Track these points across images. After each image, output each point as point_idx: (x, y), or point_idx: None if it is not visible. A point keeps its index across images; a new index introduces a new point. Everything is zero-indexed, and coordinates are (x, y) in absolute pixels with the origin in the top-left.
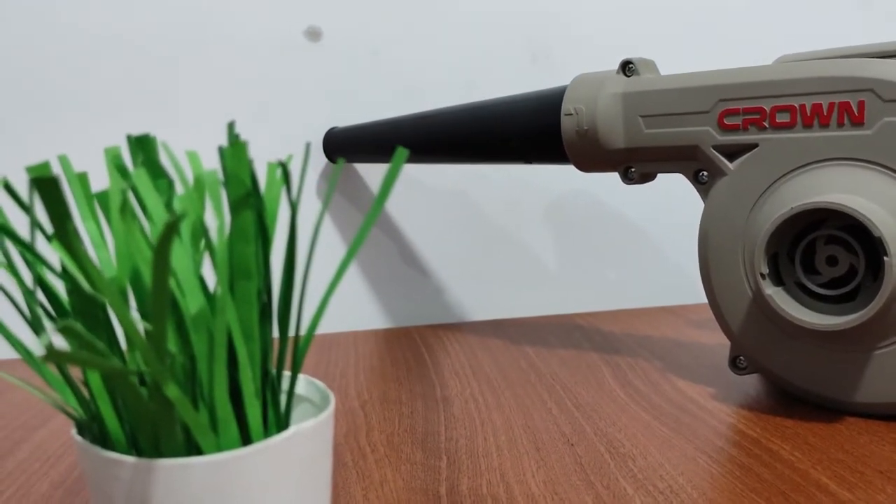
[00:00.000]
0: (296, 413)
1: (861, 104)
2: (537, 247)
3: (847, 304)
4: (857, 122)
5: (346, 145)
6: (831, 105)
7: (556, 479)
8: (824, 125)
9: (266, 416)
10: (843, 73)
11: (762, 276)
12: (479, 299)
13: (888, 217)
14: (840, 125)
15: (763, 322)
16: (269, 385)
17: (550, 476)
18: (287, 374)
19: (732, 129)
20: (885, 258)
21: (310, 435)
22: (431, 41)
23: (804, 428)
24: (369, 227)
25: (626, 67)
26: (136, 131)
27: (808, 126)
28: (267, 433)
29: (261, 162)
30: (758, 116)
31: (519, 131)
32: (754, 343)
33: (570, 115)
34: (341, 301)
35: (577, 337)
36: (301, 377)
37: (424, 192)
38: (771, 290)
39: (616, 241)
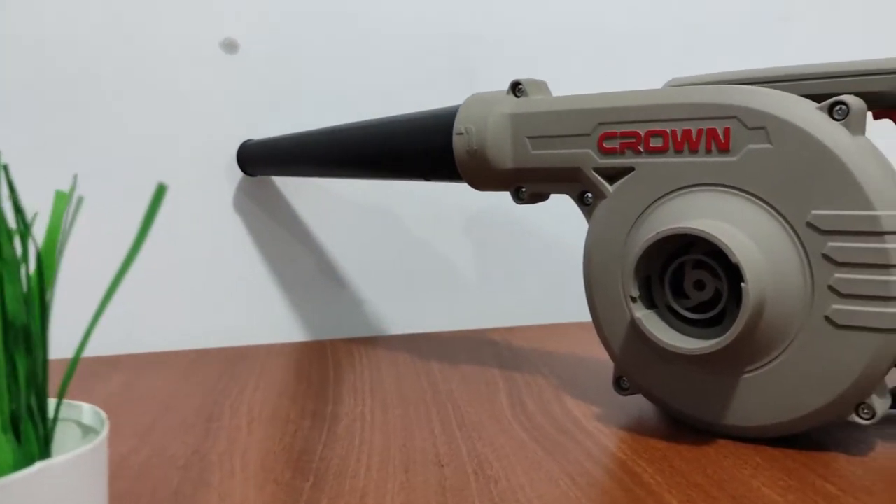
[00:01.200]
0: (83, 442)
1: (727, 131)
2: (456, 261)
3: (714, 329)
4: (724, 149)
5: (257, 158)
6: (700, 131)
7: (413, 501)
8: (694, 151)
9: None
10: (709, 101)
11: (632, 299)
12: (396, 313)
13: (751, 243)
14: (708, 151)
15: (640, 344)
16: (27, 416)
17: (409, 498)
18: (53, 401)
19: (611, 152)
20: (743, 284)
21: (61, 471)
22: (352, 55)
23: (673, 451)
24: (132, 258)
25: (516, 88)
26: (47, 141)
27: (679, 151)
28: (21, 466)
29: (177, 175)
30: (633, 140)
31: (415, 149)
32: (634, 364)
33: (462, 134)
34: (255, 313)
35: (486, 353)
36: (85, 406)
37: (343, 204)
38: (641, 314)
39: (534, 257)
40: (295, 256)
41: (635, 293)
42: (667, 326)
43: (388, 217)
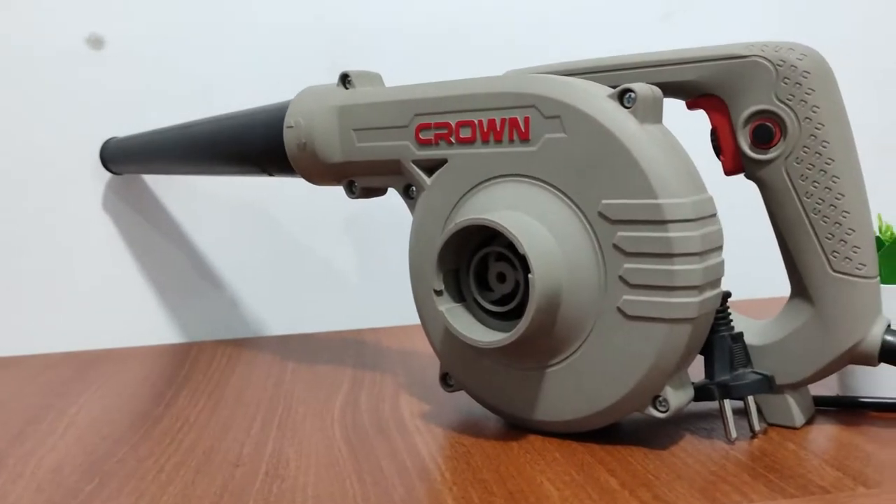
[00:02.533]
0: None
1: (526, 121)
2: (334, 261)
3: (515, 322)
4: (524, 139)
5: (118, 156)
6: (503, 121)
7: (186, 500)
8: (498, 141)
9: None
10: (510, 90)
11: (436, 292)
12: (272, 314)
13: (547, 234)
14: (511, 141)
15: (457, 339)
16: None
17: (184, 500)
18: None
19: (427, 143)
20: (529, 275)
21: None
22: (221, 49)
23: (478, 447)
24: None
25: (345, 80)
26: None
27: (485, 142)
28: None
29: (41, 174)
30: (446, 132)
31: (252, 143)
32: (454, 360)
33: (292, 127)
34: (123, 315)
35: (350, 353)
36: None
37: (217, 203)
38: (444, 307)
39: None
40: (167, 257)
41: (439, 286)
42: (473, 320)
43: (264, 217)
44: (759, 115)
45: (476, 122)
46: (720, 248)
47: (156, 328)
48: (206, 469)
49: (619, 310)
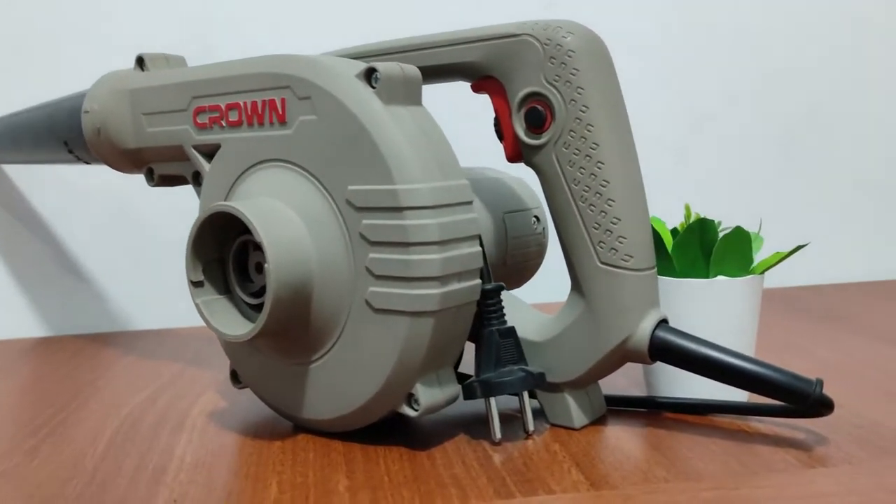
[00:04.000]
0: None
1: (283, 102)
2: None
3: None
4: (282, 122)
5: None
6: (264, 103)
7: None
8: (261, 125)
9: None
10: (267, 70)
11: (193, 283)
12: (141, 308)
13: (299, 222)
14: (271, 124)
15: None
16: None
17: None
18: None
19: (204, 127)
20: (266, 265)
21: None
22: (80, 31)
23: (241, 446)
24: None
25: (141, 63)
26: None
27: (251, 125)
28: None
29: None
30: (217, 115)
31: (61, 129)
32: (236, 356)
33: (88, 112)
34: None
35: (197, 349)
36: None
37: (84, 196)
38: (200, 300)
39: None
40: (32, 251)
41: (195, 278)
42: (235, 314)
43: (132, 210)
44: (531, 98)
45: (242, 104)
46: (471, 238)
47: (18, 322)
48: None
49: (367, 302)
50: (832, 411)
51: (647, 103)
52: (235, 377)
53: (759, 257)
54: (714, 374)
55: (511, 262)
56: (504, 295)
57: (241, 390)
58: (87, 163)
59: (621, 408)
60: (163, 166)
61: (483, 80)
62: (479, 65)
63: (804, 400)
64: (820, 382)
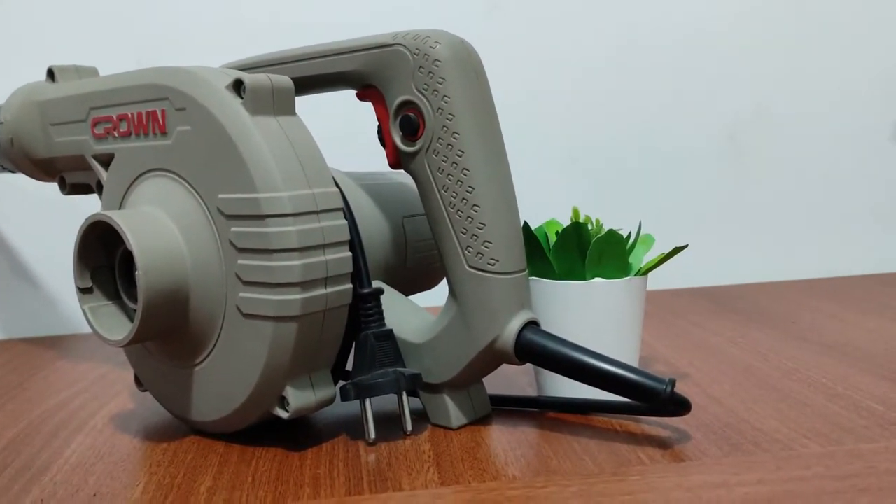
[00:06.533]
0: None
1: (163, 113)
2: None
3: None
4: (163, 132)
5: None
6: (148, 114)
7: None
8: (146, 135)
9: None
10: (148, 81)
11: (81, 290)
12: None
13: (174, 230)
14: (154, 135)
15: None
16: None
17: None
18: None
19: (101, 138)
20: (137, 273)
21: None
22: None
23: (128, 448)
24: None
25: (51, 75)
26: None
27: (138, 135)
28: None
29: None
30: (111, 126)
31: None
32: (134, 359)
33: (2, 123)
34: None
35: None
36: None
37: (35, 200)
38: (87, 306)
39: None
40: None
41: (83, 284)
42: (123, 319)
43: (79, 214)
44: (405, 107)
45: (130, 115)
46: (335, 244)
47: None
48: None
49: (238, 308)
50: (689, 410)
51: (592, 107)
52: (138, 380)
53: (648, 257)
54: (574, 374)
55: (413, 265)
56: (390, 297)
57: (144, 392)
58: (12, 171)
59: (507, 407)
60: (72, 175)
61: (365, 88)
62: (360, 74)
63: (656, 399)
64: (671, 382)
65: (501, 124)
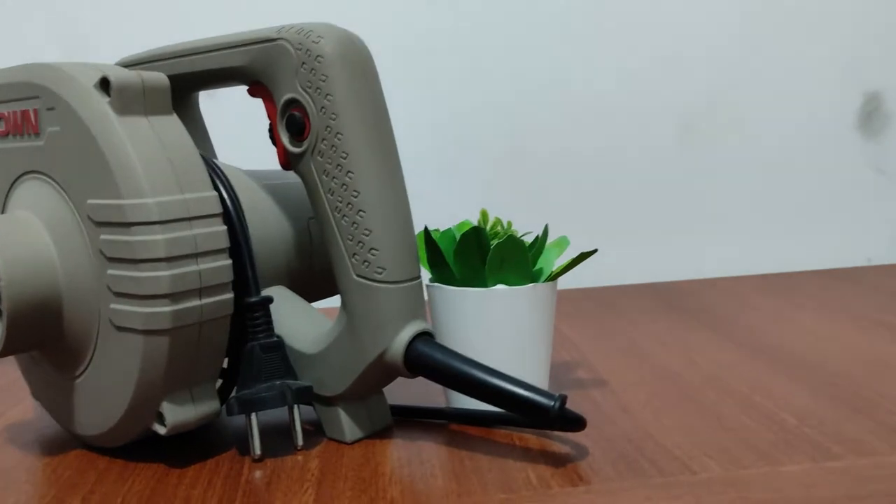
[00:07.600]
0: None
1: (35, 113)
2: None
3: None
4: (36, 133)
5: None
6: (23, 113)
7: None
8: (22, 135)
9: None
10: (24, 79)
11: None
12: None
13: (45, 237)
14: (29, 136)
15: None
16: None
17: None
18: None
19: None
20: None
21: None
22: None
23: (31, 461)
24: None
25: None
26: None
27: (15, 136)
28: None
29: None
30: None
31: None
32: (22, 368)
33: None
34: None
35: None
36: None
37: None
38: None
39: None
40: None
41: None
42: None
43: None
44: (291, 105)
45: (6, 114)
46: (211, 252)
47: None
48: None
49: (110, 320)
50: (582, 427)
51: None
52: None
53: (561, 259)
54: (462, 388)
55: (320, 268)
56: (289, 304)
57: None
58: None
59: (411, 418)
60: None
61: (254, 85)
62: (246, 69)
63: (545, 416)
64: (561, 398)
65: (444, 115)
